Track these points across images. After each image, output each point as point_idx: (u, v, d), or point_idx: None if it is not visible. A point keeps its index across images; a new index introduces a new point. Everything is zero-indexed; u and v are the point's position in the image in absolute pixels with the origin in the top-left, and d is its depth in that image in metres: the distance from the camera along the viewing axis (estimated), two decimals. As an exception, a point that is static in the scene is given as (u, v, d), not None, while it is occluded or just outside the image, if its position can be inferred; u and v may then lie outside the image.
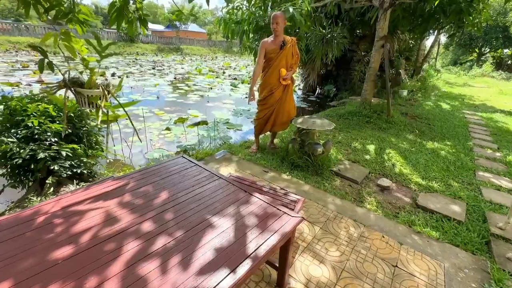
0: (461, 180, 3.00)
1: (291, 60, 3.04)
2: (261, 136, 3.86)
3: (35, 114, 2.51)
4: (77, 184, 2.46)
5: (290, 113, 3.25)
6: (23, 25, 22.64)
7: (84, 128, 2.91)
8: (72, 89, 1.93)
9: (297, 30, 4.44)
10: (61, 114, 2.63)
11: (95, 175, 2.66)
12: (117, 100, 2.17)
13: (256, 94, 3.14)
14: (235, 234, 1.09)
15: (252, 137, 3.93)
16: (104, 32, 26.62)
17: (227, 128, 5.55)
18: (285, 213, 1.26)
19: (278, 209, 1.28)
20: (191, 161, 1.72)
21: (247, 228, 1.13)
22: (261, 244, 1.04)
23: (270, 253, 1.04)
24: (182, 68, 15.80)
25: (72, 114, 2.70)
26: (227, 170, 2.81)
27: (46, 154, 2.33)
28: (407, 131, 4.76)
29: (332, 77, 10.21)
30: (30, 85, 7.96)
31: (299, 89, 11.14)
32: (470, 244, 1.93)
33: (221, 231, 1.10)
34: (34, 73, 9.98)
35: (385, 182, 2.78)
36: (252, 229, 1.13)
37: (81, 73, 2.77)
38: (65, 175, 2.41)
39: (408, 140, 4.24)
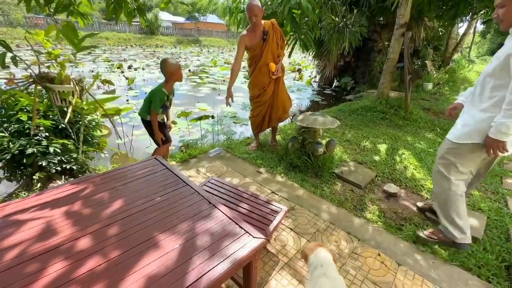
0: (484, 188, 2.63)
1: (277, 49, 2.78)
2: (263, 132, 3.67)
3: (28, 109, 2.50)
4: (66, 179, 2.44)
5: (285, 105, 3.07)
6: (52, 20, 23.67)
7: (80, 123, 2.89)
8: (43, 84, 1.85)
9: (306, 19, 4.12)
10: (53, 109, 2.60)
11: (88, 171, 2.63)
12: (92, 96, 2.07)
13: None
14: (178, 258, 0.93)
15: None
16: (126, 26, 27.27)
17: (233, 122, 5.40)
18: (246, 232, 1.08)
19: (240, 226, 1.11)
20: (162, 164, 1.59)
21: (195, 251, 0.97)
22: (205, 274, 0.88)
23: (215, 285, 0.87)
24: (198, 60, 15.80)
25: (65, 109, 2.67)
26: (219, 170, 2.66)
27: (35, 149, 2.31)
28: (426, 129, 4.33)
29: (351, 69, 9.65)
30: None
31: (314, 81, 10.69)
32: (486, 269, 1.65)
33: (164, 253, 0.95)
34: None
35: (392, 188, 2.50)
36: (200, 253, 0.97)
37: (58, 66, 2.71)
38: (54, 170, 2.39)
39: (426, 140, 3.84)
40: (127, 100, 6.40)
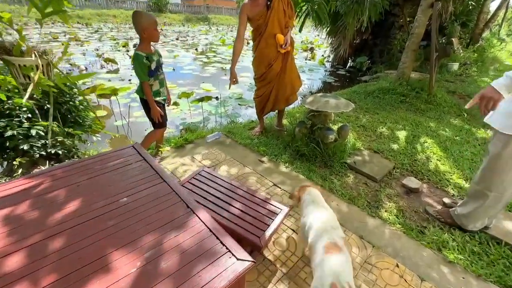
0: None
1: (285, 18, 2.41)
2: (269, 115, 3.36)
3: (8, 88, 2.28)
4: (51, 164, 2.25)
5: (293, 85, 2.73)
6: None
7: (70, 103, 2.67)
8: (-1, 57, 1.58)
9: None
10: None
11: (77, 155, 2.43)
12: (61, 72, 1.77)
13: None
14: (130, 291, 0.69)
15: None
16: (134, 3, 26.56)
17: (238, 104, 5.08)
18: (229, 251, 0.82)
19: (221, 242, 0.85)
20: (139, 154, 1.33)
21: (156, 279, 0.72)
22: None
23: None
24: (206, 39, 15.20)
25: (54, 89, 2.44)
26: (216, 157, 2.40)
27: (15, 132, 2.11)
28: (452, 114, 3.88)
29: (367, 48, 8.95)
30: None
31: (327, 61, 10.06)
32: (529, 287, 1.36)
33: (114, 281, 0.71)
34: (62, 44, 10.14)
35: (413, 182, 2.18)
36: (163, 281, 0.72)
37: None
38: (37, 155, 2.20)
39: (452, 126, 3.42)
40: (130, 80, 6.15)
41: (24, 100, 1.70)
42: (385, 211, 1.87)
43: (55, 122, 2.32)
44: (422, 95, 4.26)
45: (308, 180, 2.12)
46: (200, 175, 1.57)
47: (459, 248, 1.57)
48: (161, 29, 18.81)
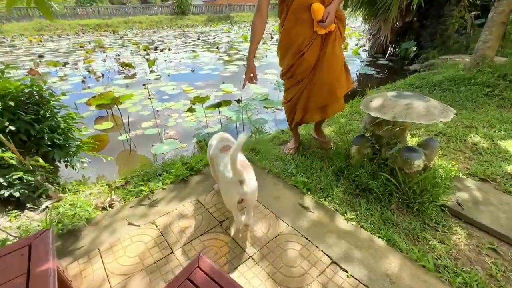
0: None
1: None
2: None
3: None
4: (7, 211, 1.61)
5: (333, 86, 1.73)
6: (90, 9, 24.40)
7: (49, 120, 2.04)
8: None
9: None
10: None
11: (45, 195, 1.78)
12: None
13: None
14: None
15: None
16: (159, 8, 27.06)
17: (264, 107, 4.24)
18: None
19: None
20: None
21: None
22: None
23: None
24: (228, 37, 14.58)
25: (11, 102, 1.82)
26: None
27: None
28: None
29: (413, 31, 7.57)
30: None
31: (363, 50, 8.81)
32: None
33: None
34: (87, 52, 10.09)
35: None
36: None
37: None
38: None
39: None
40: (144, 84, 5.61)
41: None
42: None
43: (20, 149, 1.68)
44: (518, 84, 3.07)
45: (392, 248, 1.21)
46: (190, 281, 0.76)
47: None
48: (183, 31, 18.62)
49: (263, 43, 11.34)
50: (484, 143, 2.15)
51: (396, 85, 4.00)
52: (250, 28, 1.68)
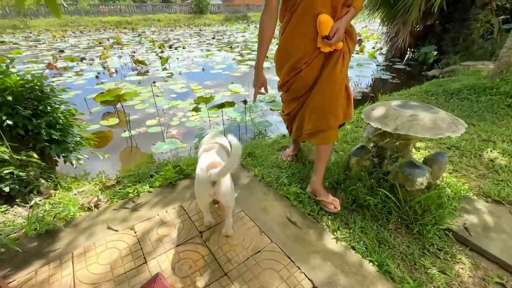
0: None
1: None
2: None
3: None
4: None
5: (325, 113, 1.43)
6: (112, 6, 25.20)
7: (44, 118, 2.04)
8: None
9: None
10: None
11: (36, 191, 1.77)
12: None
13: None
14: None
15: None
16: (178, 7, 27.60)
17: (270, 109, 4.15)
18: None
19: None
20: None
21: None
22: None
23: None
24: (243, 36, 14.57)
25: (9, 97, 1.83)
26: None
27: None
28: None
29: (434, 35, 7.22)
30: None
31: (380, 53, 8.51)
32: None
33: None
34: (104, 48, 10.37)
35: None
36: None
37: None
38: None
39: None
40: (154, 82, 5.65)
41: None
42: None
43: (16, 144, 1.68)
44: (546, 96, 2.81)
45: (383, 276, 1.09)
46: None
47: None
48: (200, 30, 18.80)
49: (277, 44, 11.21)
50: (502, 159, 1.96)
51: (410, 92, 3.79)
52: (258, 30, 1.46)
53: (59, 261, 1.13)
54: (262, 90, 1.57)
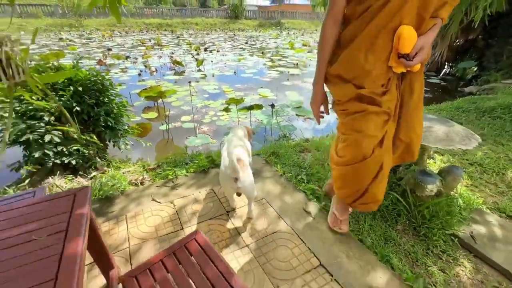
0: None
1: None
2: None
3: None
4: (65, 175, 1.99)
5: (412, 146, 1.24)
6: (155, 9, 27.01)
7: (106, 104, 2.43)
8: None
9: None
10: (69, 88, 2.17)
11: (94, 167, 2.14)
12: (23, 67, 1.20)
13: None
14: None
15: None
16: (214, 11, 28.82)
17: (296, 114, 4.32)
18: None
19: None
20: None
21: None
22: None
23: None
24: (275, 43, 14.88)
25: (80, 87, 2.22)
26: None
27: (31, 136, 1.91)
28: None
29: (476, 50, 6.92)
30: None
31: (415, 67, 8.26)
32: None
33: None
34: (146, 48, 11.25)
35: None
36: None
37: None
38: (50, 163, 1.96)
39: None
40: (189, 82, 6.09)
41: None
42: None
43: (69, 126, 2.05)
44: None
45: (383, 264, 1.24)
46: (186, 249, 0.92)
47: None
48: (234, 34, 19.49)
49: (309, 52, 11.35)
50: (525, 179, 1.96)
51: (440, 107, 3.75)
52: (318, 39, 1.15)
53: (116, 220, 1.42)
54: (322, 108, 1.27)
